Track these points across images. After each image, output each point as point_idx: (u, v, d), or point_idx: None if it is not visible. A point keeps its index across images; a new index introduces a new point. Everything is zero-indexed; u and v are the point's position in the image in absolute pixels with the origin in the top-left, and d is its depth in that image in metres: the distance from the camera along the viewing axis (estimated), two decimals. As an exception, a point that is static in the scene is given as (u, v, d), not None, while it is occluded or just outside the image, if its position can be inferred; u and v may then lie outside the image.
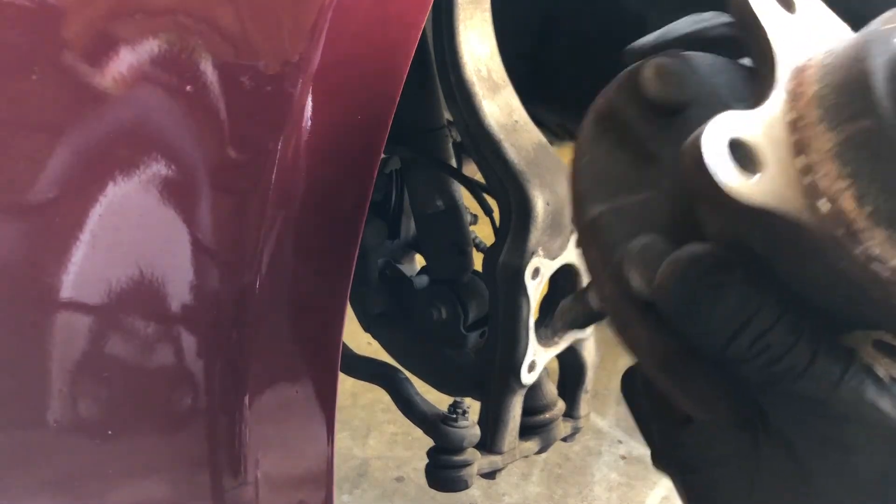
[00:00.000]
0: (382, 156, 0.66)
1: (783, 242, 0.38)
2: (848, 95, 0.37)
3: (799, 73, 0.41)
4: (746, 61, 0.46)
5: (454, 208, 1.09)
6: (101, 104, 0.51)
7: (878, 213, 0.36)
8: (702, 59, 0.46)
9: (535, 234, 0.91)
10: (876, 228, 0.36)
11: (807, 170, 0.37)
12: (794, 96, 0.39)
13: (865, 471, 0.40)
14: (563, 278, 1.00)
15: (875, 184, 0.36)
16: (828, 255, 0.37)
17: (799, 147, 0.38)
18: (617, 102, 0.46)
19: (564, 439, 1.15)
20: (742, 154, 0.37)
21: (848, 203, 0.36)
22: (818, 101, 0.38)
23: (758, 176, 0.37)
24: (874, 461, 0.40)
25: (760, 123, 0.38)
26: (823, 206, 0.37)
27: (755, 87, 0.43)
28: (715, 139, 0.37)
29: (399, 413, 1.13)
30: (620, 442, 2.01)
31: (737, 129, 0.37)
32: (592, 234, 0.45)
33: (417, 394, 1.12)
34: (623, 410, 2.13)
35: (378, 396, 1.92)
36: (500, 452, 1.04)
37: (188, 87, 0.52)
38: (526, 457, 1.12)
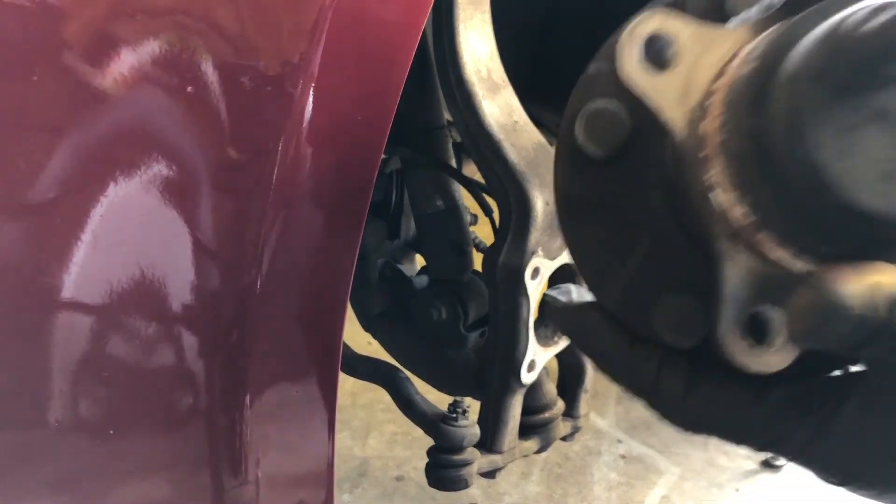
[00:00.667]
0: (382, 156, 0.66)
1: (657, 147, 0.40)
2: (765, 42, 0.39)
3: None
4: None
5: (454, 208, 1.09)
6: (101, 105, 0.51)
7: (724, 144, 0.37)
8: None
9: (535, 235, 0.91)
10: (719, 157, 0.37)
11: (711, 93, 0.39)
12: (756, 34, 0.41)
13: None
14: (562, 278, 1.01)
15: (734, 116, 0.37)
16: (684, 174, 0.38)
17: (722, 72, 0.39)
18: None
19: (564, 439, 1.15)
20: (662, 50, 0.40)
21: (711, 128, 0.38)
22: (759, 42, 0.40)
23: (665, 73, 0.39)
24: None
25: (712, 42, 0.39)
26: (701, 126, 0.38)
27: None
28: (640, 30, 0.39)
29: (399, 413, 1.13)
30: (620, 441, 2.01)
31: (667, 27, 0.39)
32: (577, 87, 0.46)
33: (417, 393, 1.12)
34: (623, 410, 2.13)
35: (378, 396, 1.92)
36: (499, 452, 1.04)
37: (189, 88, 0.52)
38: (526, 456, 1.12)
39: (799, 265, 0.37)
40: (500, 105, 0.89)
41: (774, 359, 0.39)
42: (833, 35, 0.34)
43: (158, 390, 0.56)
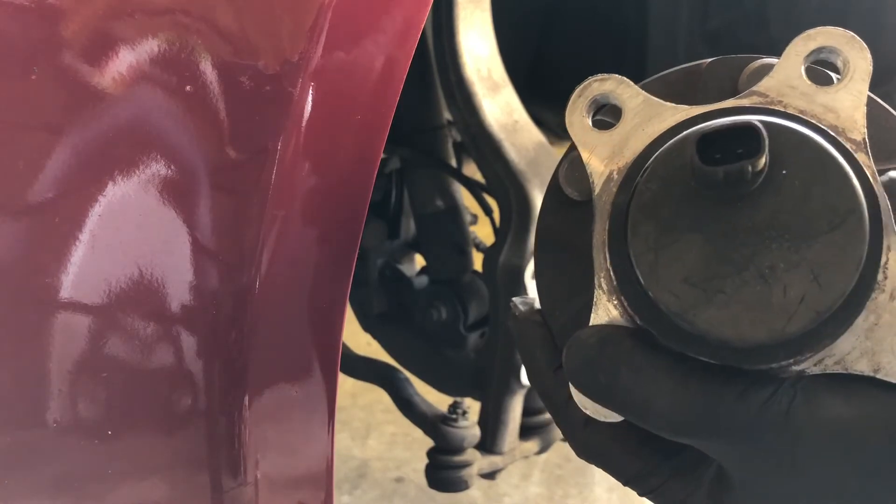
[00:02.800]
0: (382, 156, 0.66)
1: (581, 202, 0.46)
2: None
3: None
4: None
5: (454, 208, 1.09)
6: (100, 104, 0.51)
7: (614, 206, 0.42)
8: None
9: (536, 234, 0.91)
10: (608, 219, 0.42)
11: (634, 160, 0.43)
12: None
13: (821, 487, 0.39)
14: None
15: (620, 188, 0.43)
16: (592, 226, 0.43)
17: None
18: None
19: (565, 439, 1.15)
20: (605, 112, 0.45)
21: (615, 190, 0.43)
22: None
23: (603, 133, 0.44)
24: (829, 476, 0.38)
25: (656, 115, 0.43)
26: (611, 187, 0.43)
27: None
28: (591, 89, 0.44)
29: (399, 413, 1.13)
30: (620, 442, 2.01)
31: (617, 93, 0.44)
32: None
33: (417, 394, 1.12)
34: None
35: (378, 396, 1.92)
36: (500, 453, 1.04)
37: (188, 87, 0.52)
38: (526, 457, 1.12)
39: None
40: (500, 104, 0.89)
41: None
42: (663, 167, 0.40)
43: (157, 391, 0.56)
